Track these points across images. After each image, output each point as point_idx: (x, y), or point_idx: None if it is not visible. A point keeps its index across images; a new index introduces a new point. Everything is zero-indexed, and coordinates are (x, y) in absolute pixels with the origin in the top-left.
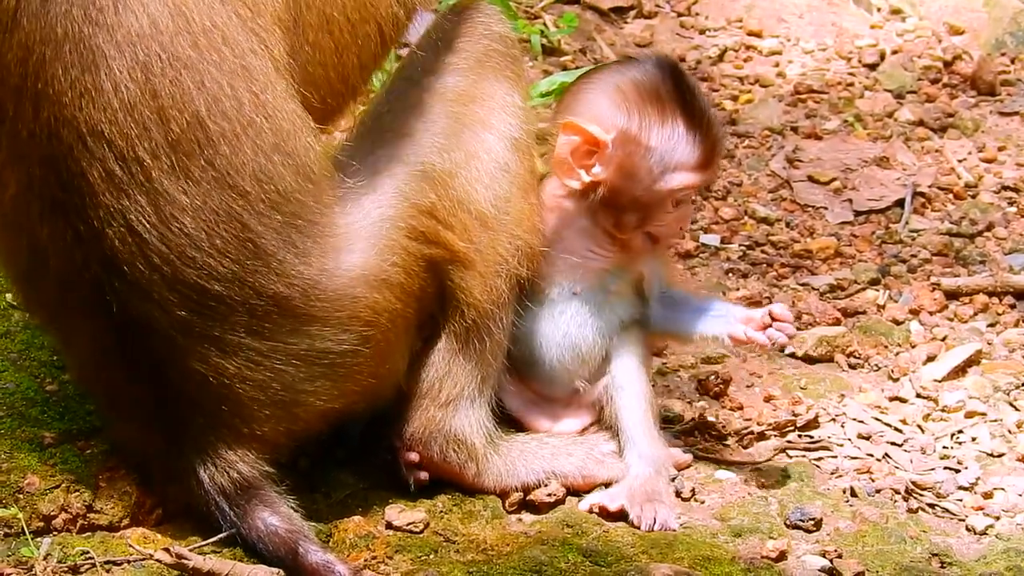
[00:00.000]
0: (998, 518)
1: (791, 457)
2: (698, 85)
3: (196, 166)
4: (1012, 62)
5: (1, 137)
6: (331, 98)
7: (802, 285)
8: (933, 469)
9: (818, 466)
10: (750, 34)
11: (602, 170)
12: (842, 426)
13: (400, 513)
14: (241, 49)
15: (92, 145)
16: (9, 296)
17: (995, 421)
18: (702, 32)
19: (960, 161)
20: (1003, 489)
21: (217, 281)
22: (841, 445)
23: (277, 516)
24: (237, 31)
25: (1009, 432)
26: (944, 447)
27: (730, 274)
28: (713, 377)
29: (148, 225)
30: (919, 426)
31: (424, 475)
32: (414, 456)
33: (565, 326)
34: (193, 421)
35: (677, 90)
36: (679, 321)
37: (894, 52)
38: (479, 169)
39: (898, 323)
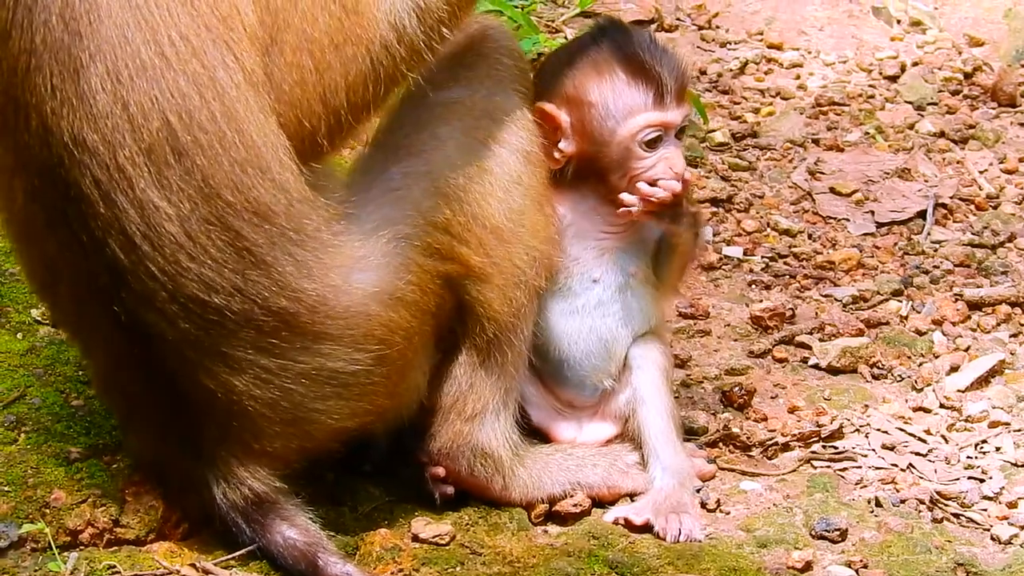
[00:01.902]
0: (1023, 528)
1: (816, 468)
2: (643, 34)
3: (174, 175)
4: None
5: (6, 147)
6: (310, 120)
7: (825, 296)
8: (957, 479)
9: (843, 476)
10: (771, 47)
11: (568, 143)
12: (866, 436)
13: (426, 526)
14: (210, 62)
15: (78, 154)
16: (35, 312)
17: (1019, 431)
18: (723, 45)
19: (981, 172)
20: None
21: (217, 292)
22: (865, 455)
23: (295, 529)
24: (206, 44)
25: None
26: (968, 457)
27: (753, 286)
28: (737, 388)
29: (140, 234)
30: (943, 436)
31: (450, 489)
32: (441, 471)
33: (589, 318)
34: (204, 435)
35: (610, 43)
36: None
37: (914, 64)
38: (492, 183)
39: (921, 334)
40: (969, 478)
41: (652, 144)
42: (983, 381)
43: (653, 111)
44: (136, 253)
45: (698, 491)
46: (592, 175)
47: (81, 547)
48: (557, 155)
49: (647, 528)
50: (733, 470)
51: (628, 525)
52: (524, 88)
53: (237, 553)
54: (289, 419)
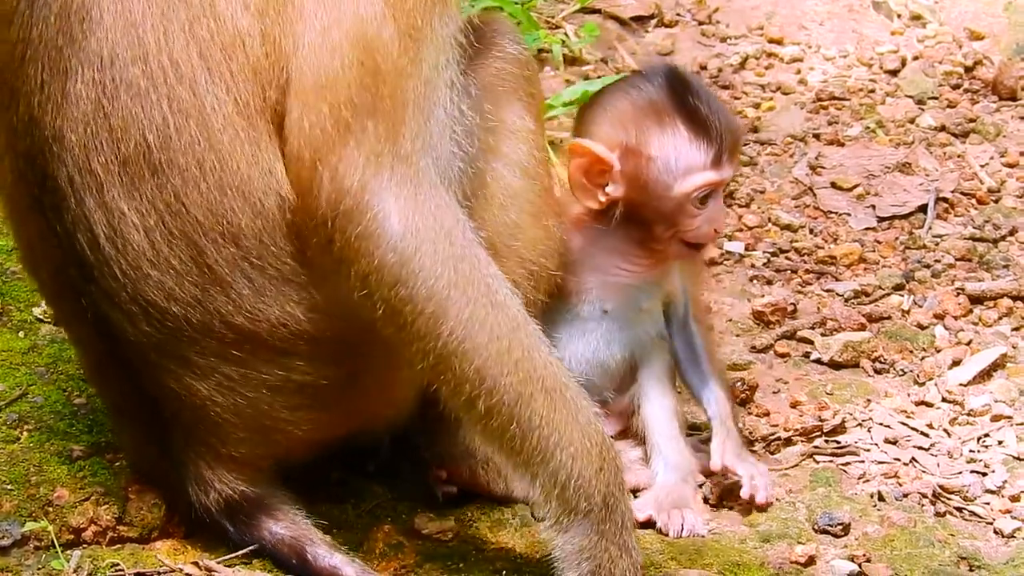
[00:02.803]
0: None
1: (818, 462)
2: (701, 85)
3: (146, 189)
4: None
5: (2, 125)
6: None
7: (826, 291)
8: (960, 473)
9: (845, 471)
10: (771, 42)
11: (615, 187)
12: (869, 431)
13: (429, 522)
14: (200, 90)
15: (57, 149)
16: (36, 311)
17: (1021, 424)
18: (723, 40)
19: (982, 166)
20: None
21: (177, 302)
22: (868, 450)
23: (280, 524)
24: (198, 71)
25: None
26: (971, 451)
27: (754, 281)
28: (739, 383)
29: (104, 235)
30: (945, 430)
31: (453, 489)
32: (444, 473)
33: (595, 343)
34: (174, 438)
35: (674, 95)
36: (683, 372)
37: (915, 58)
38: (486, 198)
39: (923, 328)
40: (972, 472)
41: (704, 200)
42: (985, 375)
43: (711, 171)
44: (101, 253)
45: (700, 486)
46: (632, 219)
47: (84, 545)
48: (602, 197)
49: (650, 524)
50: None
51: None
52: (528, 95)
53: (240, 552)
54: (255, 427)
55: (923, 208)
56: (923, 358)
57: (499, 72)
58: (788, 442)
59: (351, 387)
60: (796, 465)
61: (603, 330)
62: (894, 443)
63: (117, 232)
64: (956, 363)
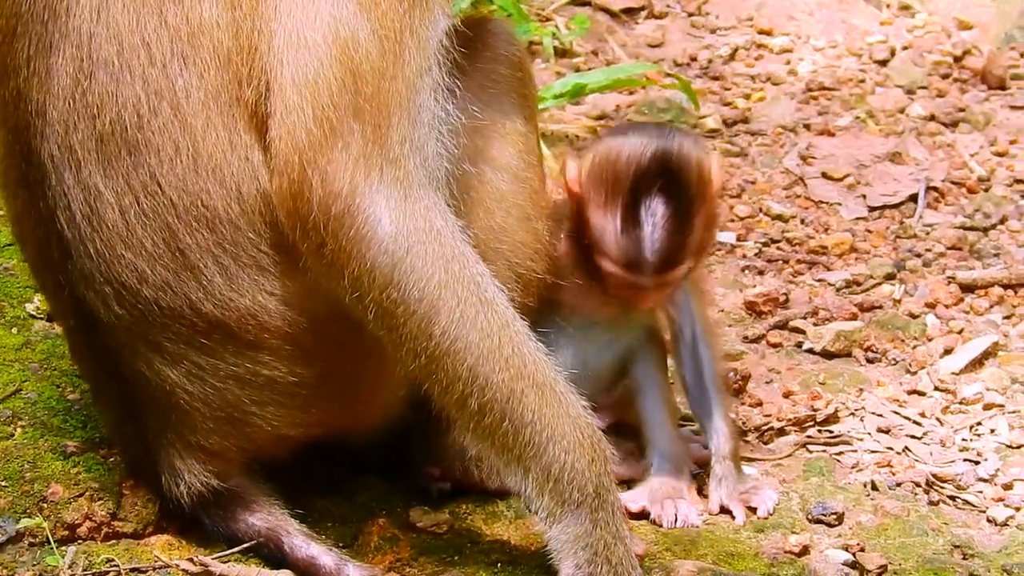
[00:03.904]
0: (1019, 509)
1: (811, 452)
2: (671, 196)
3: (121, 167)
4: (1021, 56)
5: None
6: None
7: (818, 281)
8: (953, 461)
9: (839, 460)
10: (761, 32)
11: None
12: (861, 420)
13: (424, 515)
14: (171, 74)
15: (40, 124)
16: (29, 307)
17: (1013, 412)
18: (713, 31)
19: (972, 155)
20: (1022, 480)
21: (147, 285)
22: (861, 439)
23: (256, 516)
24: (168, 56)
25: None
26: (963, 439)
27: (746, 271)
28: (732, 374)
29: (81, 213)
30: (938, 419)
31: (447, 485)
32: (436, 471)
33: (584, 353)
34: (148, 423)
35: (636, 190)
36: (690, 400)
37: (904, 48)
38: (472, 201)
39: (914, 317)
40: (964, 460)
41: (631, 284)
42: (977, 363)
43: (627, 273)
44: (78, 230)
45: (694, 476)
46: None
47: (79, 541)
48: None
49: (644, 515)
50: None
51: (625, 512)
52: (520, 96)
53: (236, 548)
54: (223, 418)
55: (913, 197)
56: (915, 347)
57: (490, 73)
58: (781, 432)
59: (326, 388)
60: (789, 455)
61: (593, 339)
62: (887, 432)
63: (93, 210)
64: (948, 352)
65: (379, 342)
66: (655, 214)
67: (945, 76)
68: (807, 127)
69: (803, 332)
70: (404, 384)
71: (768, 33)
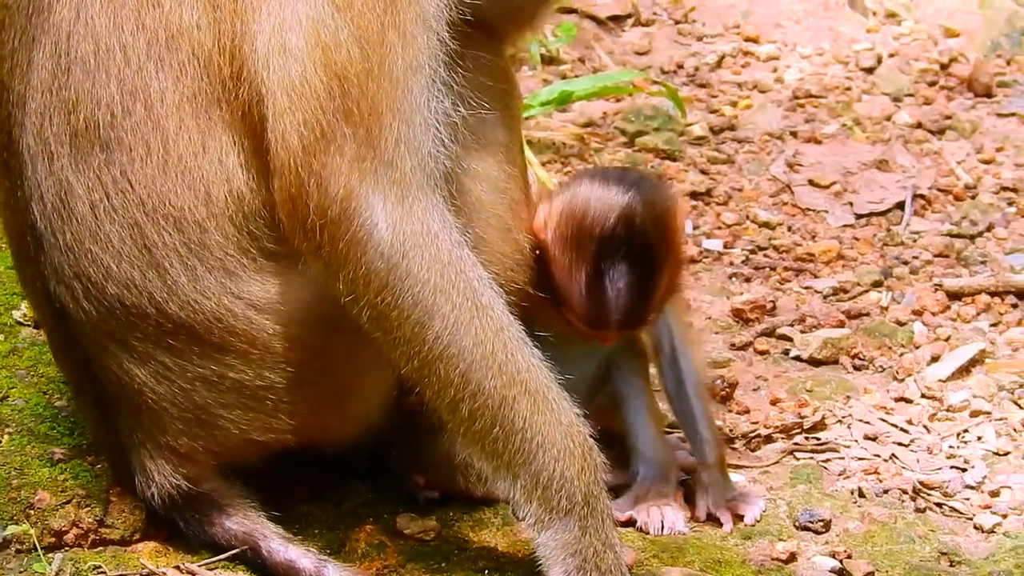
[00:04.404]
0: (1005, 516)
1: (798, 459)
2: (642, 254)
3: (93, 163)
4: (1008, 63)
5: None
6: None
7: (805, 288)
8: (940, 469)
9: (826, 468)
10: (748, 40)
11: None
12: (848, 427)
13: (411, 522)
14: (146, 76)
15: (20, 115)
16: (16, 313)
17: (1000, 420)
18: (700, 39)
19: (959, 163)
20: (1010, 487)
21: (112, 281)
22: (848, 446)
23: (232, 520)
24: (143, 58)
25: (1014, 431)
26: (950, 446)
27: (733, 279)
28: (719, 381)
29: (51, 205)
30: (925, 426)
31: (435, 494)
32: (422, 480)
33: (564, 362)
34: (120, 422)
35: (599, 251)
36: (674, 410)
37: (891, 56)
38: (452, 211)
39: (901, 324)
40: (951, 467)
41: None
42: (964, 371)
43: (589, 327)
44: (49, 222)
45: (681, 483)
46: None
47: (66, 548)
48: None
49: (631, 523)
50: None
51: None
52: (504, 106)
53: (223, 556)
54: (192, 419)
55: (900, 205)
56: (902, 354)
57: (471, 82)
58: (768, 439)
59: (297, 395)
60: (776, 462)
61: (572, 349)
62: (874, 439)
63: (64, 203)
64: (935, 359)
65: (355, 352)
66: (620, 280)
67: (932, 84)
68: (794, 134)
69: (790, 339)
70: (382, 395)
71: (755, 41)
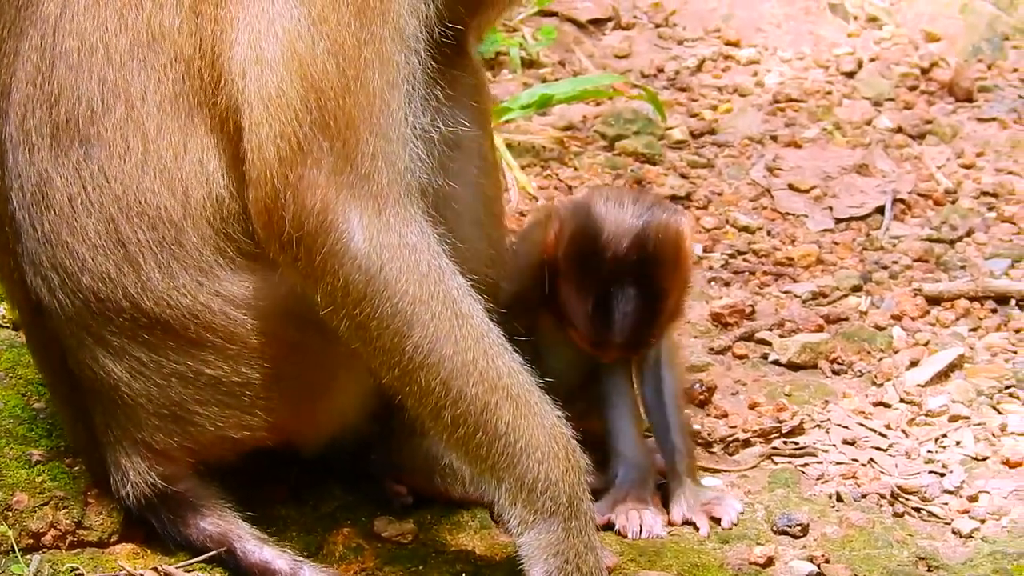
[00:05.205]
0: (983, 521)
1: (777, 463)
2: (651, 279)
3: (72, 157)
4: (989, 68)
5: None
6: None
7: (784, 292)
8: (918, 473)
9: (804, 472)
10: (728, 44)
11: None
12: (827, 432)
13: (389, 525)
14: (127, 74)
15: (4, 104)
16: None
17: (979, 425)
18: (680, 43)
19: (939, 167)
20: (988, 492)
21: (88, 274)
22: (826, 451)
23: (206, 520)
24: (126, 58)
25: (993, 436)
26: (929, 451)
27: (712, 283)
28: (698, 385)
29: (30, 195)
30: (903, 431)
31: (410, 499)
32: (402, 488)
33: (553, 363)
34: (96, 418)
35: (609, 275)
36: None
37: (871, 60)
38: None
39: (880, 329)
40: (930, 472)
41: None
42: (943, 376)
43: (592, 346)
44: (27, 212)
45: (659, 487)
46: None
47: (44, 549)
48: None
49: (608, 526)
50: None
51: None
52: (474, 103)
53: (201, 557)
54: (167, 415)
55: (880, 209)
56: (881, 359)
57: (443, 78)
58: (746, 443)
59: (274, 391)
60: (755, 466)
61: (562, 351)
62: (852, 444)
63: (43, 194)
64: (914, 364)
65: (332, 350)
66: (627, 304)
67: (912, 88)
68: (774, 139)
69: (769, 344)
70: (359, 394)
71: (735, 45)
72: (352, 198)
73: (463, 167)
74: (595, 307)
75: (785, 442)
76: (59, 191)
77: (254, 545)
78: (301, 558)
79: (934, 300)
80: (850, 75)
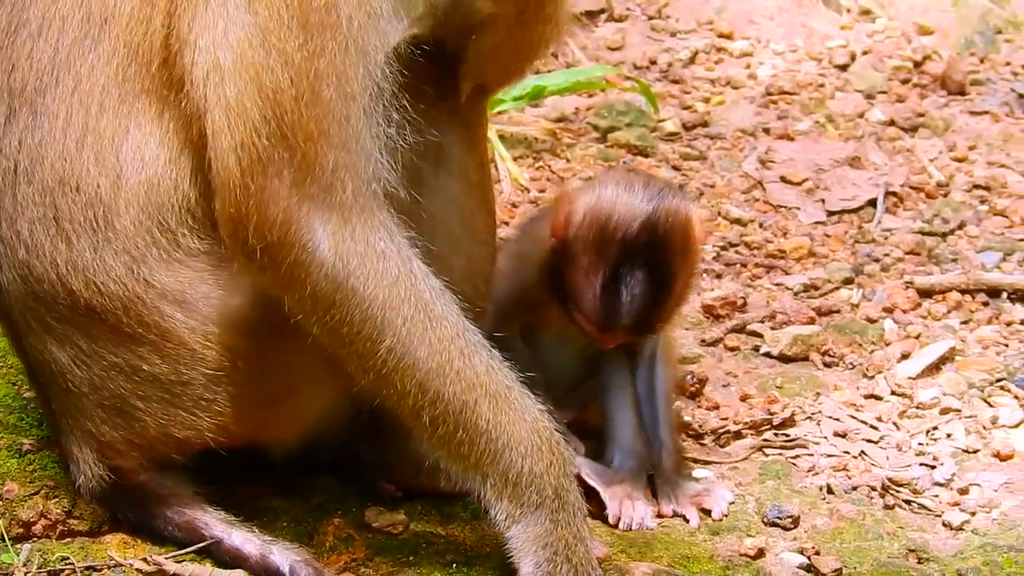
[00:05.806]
0: (974, 513)
1: (768, 455)
2: (661, 263)
3: (20, 124)
4: (981, 61)
5: None
6: None
7: (776, 285)
8: (909, 466)
9: (795, 464)
10: (721, 36)
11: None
12: (818, 424)
13: (380, 515)
14: (80, 48)
15: None
16: None
17: (970, 417)
18: (673, 35)
19: (931, 160)
20: (978, 485)
21: (24, 248)
22: (817, 443)
23: (172, 510)
24: (78, 33)
25: (984, 428)
26: (919, 444)
27: (704, 275)
28: (689, 377)
29: None
30: (895, 423)
31: (399, 493)
32: (392, 487)
33: (555, 352)
34: (53, 406)
35: (619, 256)
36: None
37: (864, 53)
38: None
39: (872, 321)
40: (920, 464)
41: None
42: (934, 368)
43: (596, 330)
44: None
45: (650, 478)
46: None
47: (34, 539)
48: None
49: (599, 515)
50: (685, 458)
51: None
52: (469, 127)
53: (190, 548)
54: (112, 408)
55: (872, 202)
56: (872, 351)
57: (425, 98)
58: (738, 435)
59: (219, 394)
60: (746, 458)
61: (564, 340)
62: (843, 436)
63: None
64: (905, 356)
65: (287, 358)
66: (636, 286)
67: (905, 81)
68: (766, 131)
69: (760, 336)
70: (326, 400)
71: (728, 37)
72: (315, 209)
73: (445, 184)
74: (603, 289)
75: (776, 434)
76: (6, 158)
77: (222, 530)
78: (272, 539)
79: (926, 293)
80: (843, 68)
